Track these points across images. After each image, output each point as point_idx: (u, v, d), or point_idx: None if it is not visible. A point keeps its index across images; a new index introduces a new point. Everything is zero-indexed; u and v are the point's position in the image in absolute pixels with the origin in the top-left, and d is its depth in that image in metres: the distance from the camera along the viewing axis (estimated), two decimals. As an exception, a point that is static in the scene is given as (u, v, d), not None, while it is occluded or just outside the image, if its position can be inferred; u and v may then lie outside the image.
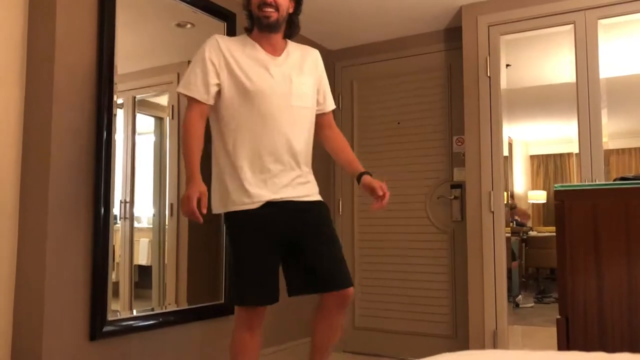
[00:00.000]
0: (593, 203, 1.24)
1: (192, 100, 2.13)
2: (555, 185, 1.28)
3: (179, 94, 2.21)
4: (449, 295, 3.64)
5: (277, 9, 2.15)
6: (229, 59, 2.15)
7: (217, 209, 2.22)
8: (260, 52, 2.20)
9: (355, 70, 4.10)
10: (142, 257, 2.80)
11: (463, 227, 3.58)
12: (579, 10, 3.06)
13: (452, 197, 3.67)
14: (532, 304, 5.66)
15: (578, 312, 1.24)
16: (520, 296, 5.56)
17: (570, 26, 3.10)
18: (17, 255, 2.34)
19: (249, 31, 2.27)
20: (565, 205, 1.25)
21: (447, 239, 3.69)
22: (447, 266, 3.67)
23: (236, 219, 2.15)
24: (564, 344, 1.25)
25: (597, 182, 1.26)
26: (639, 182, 1.23)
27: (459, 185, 3.65)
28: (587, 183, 1.25)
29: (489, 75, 3.29)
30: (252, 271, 2.12)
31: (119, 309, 2.59)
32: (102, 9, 2.52)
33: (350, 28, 3.75)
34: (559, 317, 1.22)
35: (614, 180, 1.53)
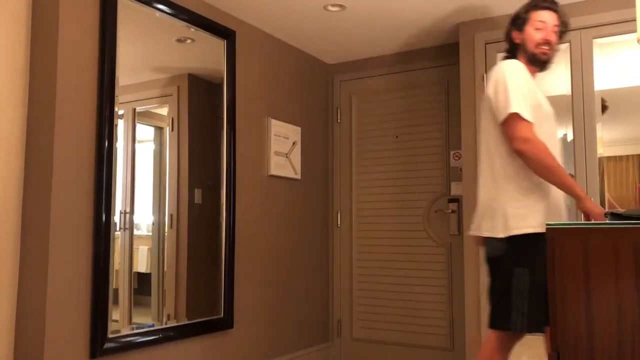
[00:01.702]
0: (582, 241, 1.27)
1: (527, 123, 2.04)
2: (547, 222, 1.31)
3: (511, 116, 2.06)
4: (446, 308, 3.68)
5: (551, 47, 2.24)
6: (533, 84, 2.17)
7: (520, 229, 2.06)
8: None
9: (354, 84, 4.14)
10: (142, 264, 2.82)
11: (460, 240, 3.62)
12: (575, 30, 3.10)
13: (450, 210, 3.70)
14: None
15: (569, 347, 1.27)
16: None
17: (566, 45, 3.14)
18: (20, 269, 2.38)
19: (508, 58, 2.28)
20: (556, 242, 1.29)
21: (444, 252, 3.73)
22: (444, 279, 3.70)
23: (543, 240, 2.01)
24: (556, 378, 1.28)
25: (584, 222, 1.30)
26: (627, 222, 1.27)
27: (456, 200, 3.69)
28: (576, 222, 1.29)
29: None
30: (545, 296, 2.08)
31: (119, 317, 2.61)
32: (104, 26, 2.56)
33: (349, 43, 3.78)
34: (550, 352, 1.26)
35: (605, 213, 1.57)
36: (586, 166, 3.08)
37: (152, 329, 2.75)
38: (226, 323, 3.11)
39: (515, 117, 2.03)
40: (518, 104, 2.04)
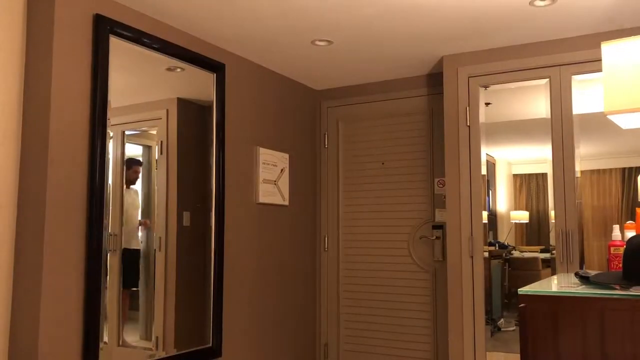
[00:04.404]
0: (552, 307, 1.36)
1: None
2: (520, 289, 1.40)
3: None
4: (430, 332, 3.77)
5: None
6: None
7: None
8: None
9: (341, 111, 4.22)
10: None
11: (444, 266, 3.71)
12: (555, 66, 3.20)
13: (434, 237, 3.79)
14: (514, 327, 5.81)
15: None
16: (502, 320, 5.70)
17: (546, 80, 3.24)
18: (13, 293, 2.42)
19: None
20: (527, 307, 1.37)
21: (429, 278, 3.81)
22: (429, 304, 3.79)
23: None
24: None
25: (556, 290, 1.36)
26: (594, 291, 1.35)
27: (440, 226, 3.78)
28: (546, 290, 1.37)
29: (468, 125, 3.42)
30: None
31: (107, 336, 2.64)
32: (96, 60, 2.61)
33: (336, 72, 3.86)
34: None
35: (576, 273, 1.66)
36: (564, 183, 3.20)
37: (143, 362, 2.80)
38: (215, 352, 3.17)
39: None
40: None
